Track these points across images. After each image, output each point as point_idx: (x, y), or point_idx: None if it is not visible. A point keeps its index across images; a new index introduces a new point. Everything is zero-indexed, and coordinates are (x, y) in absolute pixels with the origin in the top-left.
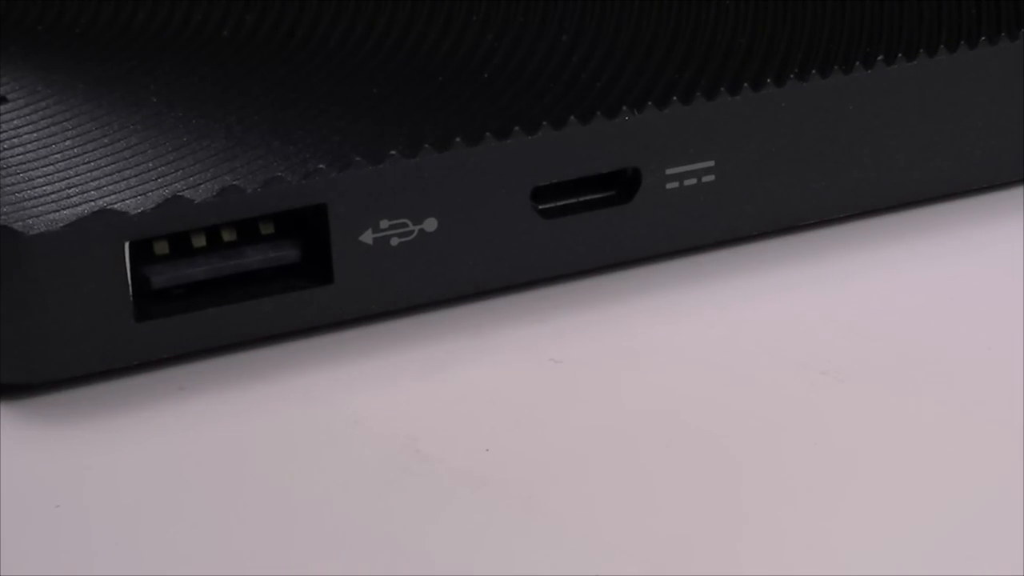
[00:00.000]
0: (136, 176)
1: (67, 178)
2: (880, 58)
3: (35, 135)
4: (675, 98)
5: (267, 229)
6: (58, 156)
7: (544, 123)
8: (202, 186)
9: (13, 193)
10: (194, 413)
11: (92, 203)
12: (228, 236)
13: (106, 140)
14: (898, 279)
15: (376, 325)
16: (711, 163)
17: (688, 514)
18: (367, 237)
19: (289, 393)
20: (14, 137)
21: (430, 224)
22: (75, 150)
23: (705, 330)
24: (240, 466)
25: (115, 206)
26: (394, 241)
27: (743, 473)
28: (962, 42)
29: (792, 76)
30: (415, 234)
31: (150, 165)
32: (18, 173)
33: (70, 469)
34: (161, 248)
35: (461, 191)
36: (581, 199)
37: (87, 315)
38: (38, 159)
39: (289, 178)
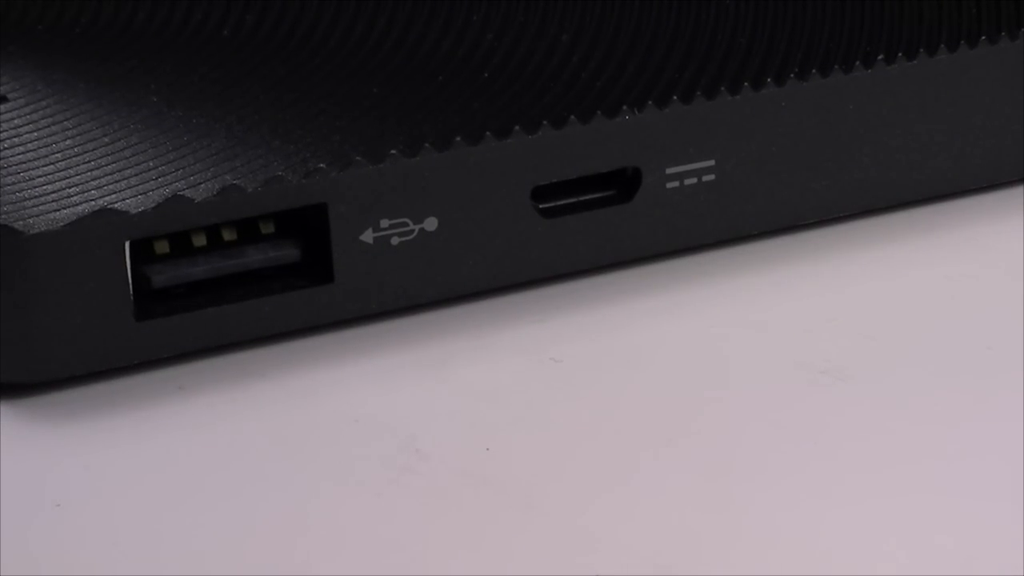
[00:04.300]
0: (136, 175)
1: (67, 177)
2: (880, 57)
3: (35, 134)
4: (675, 97)
5: (267, 228)
6: (58, 155)
7: (544, 123)
8: (202, 185)
9: (13, 192)
10: (194, 413)
11: (92, 202)
12: (228, 235)
13: (106, 139)
14: (898, 279)
15: (376, 325)
16: (711, 162)
17: (688, 514)
18: (367, 236)
19: (289, 393)
20: (14, 136)
21: (430, 223)
22: (75, 149)
23: (705, 330)
24: (240, 466)
25: (115, 205)
26: (394, 240)
27: (743, 473)
28: (962, 42)
29: (792, 75)
30: (415, 233)
31: (150, 164)
32: (18, 172)
33: (70, 469)
34: (161, 247)
35: (461, 190)
36: (581, 199)
37: (87, 314)
38: (38, 158)
39: (289, 177)
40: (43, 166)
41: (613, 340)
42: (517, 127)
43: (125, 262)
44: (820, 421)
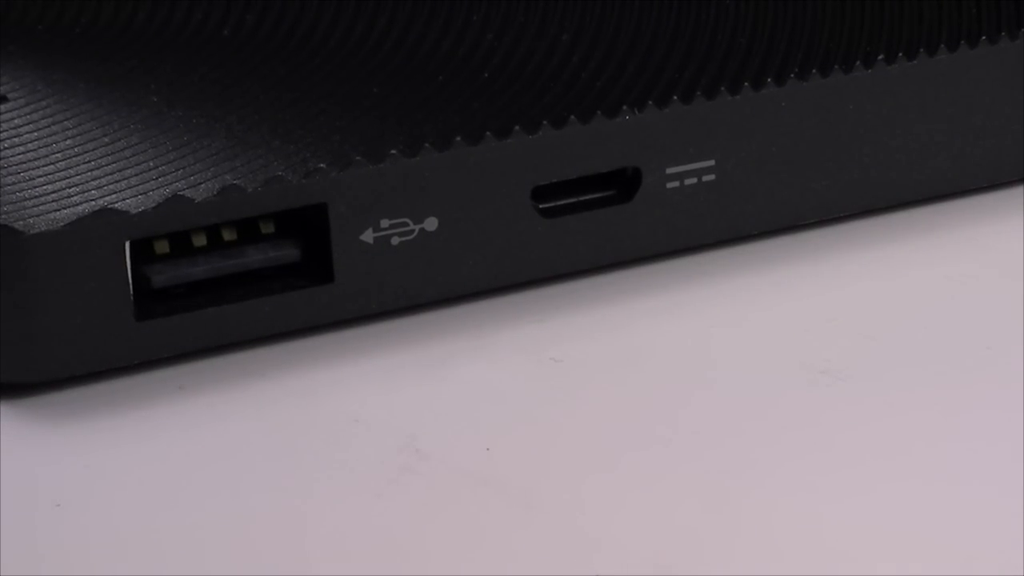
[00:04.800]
0: (137, 175)
1: (68, 177)
2: (880, 57)
3: (36, 134)
4: (675, 97)
5: (267, 228)
6: (58, 155)
7: (544, 123)
8: (203, 185)
9: (14, 192)
10: (194, 413)
11: (93, 202)
12: (228, 235)
13: (107, 139)
14: (898, 279)
15: (376, 325)
16: (711, 162)
17: (688, 514)
18: (368, 236)
19: (289, 393)
20: (14, 136)
21: (431, 223)
22: (76, 149)
23: (705, 330)
24: (240, 466)
25: (116, 205)
26: (395, 240)
27: (743, 473)
28: (962, 42)
29: (792, 75)
30: (415, 233)
31: (151, 164)
32: (19, 172)
33: (70, 469)
34: (161, 247)
35: (461, 190)
36: (581, 198)
37: (87, 314)
38: (39, 158)
39: (290, 177)
40: (43, 166)
41: (613, 340)
42: (517, 127)
43: (125, 262)
44: (820, 421)
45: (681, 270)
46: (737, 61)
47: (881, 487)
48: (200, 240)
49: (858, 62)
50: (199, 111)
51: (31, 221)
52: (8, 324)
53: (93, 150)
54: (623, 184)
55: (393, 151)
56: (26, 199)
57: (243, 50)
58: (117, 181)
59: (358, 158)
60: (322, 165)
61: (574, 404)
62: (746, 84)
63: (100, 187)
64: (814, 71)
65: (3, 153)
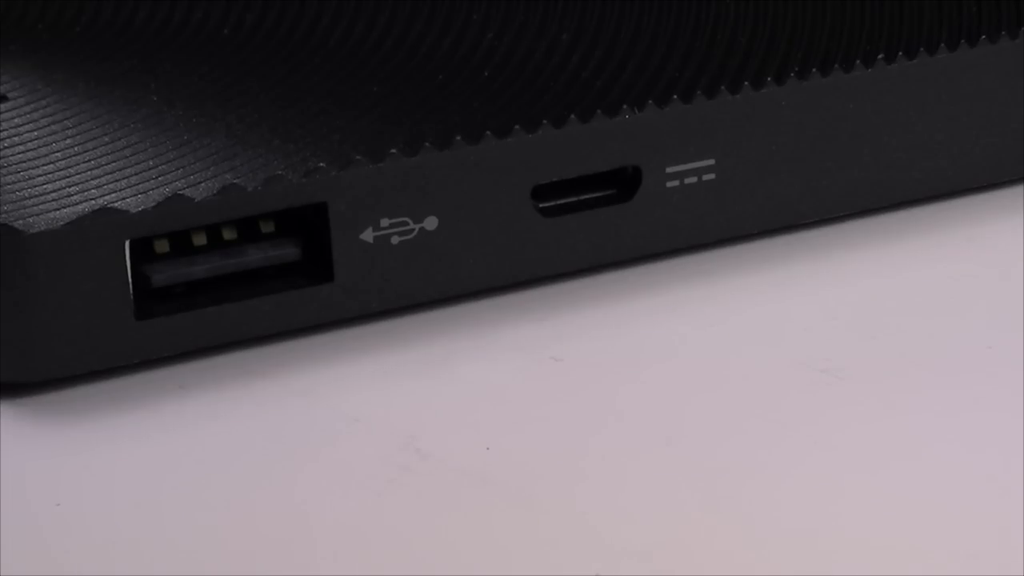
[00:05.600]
0: (137, 174)
1: (68, 176)
2: (880, 57)
3: (36, 134)
4: (675, 97)
5: (268, 227)
6: (58, 155)
7: (544, 122)
8: (203, 184)
9: (13, 191)
10: (194, 412)
11: (93, 201)
12: (229, 234)
13: (107, 139)
14: (898, 279)
15: (376, 324)
16: (711, 161)
17: (688, 513)
18: (368, 235)
19: (289, 392)
20: (15, 136)
21: (430, 223)
22: (75, 148)
23: (705, 329)
24: (240, 465)
25: (116, 204)
26: (395, 239)
27: (743, 472)
28: (962, 41)
29: (792, 74)
30: (415, 232)
31: (151, 163)
32: (19, 171)
33: (70, 469)
34: (161, 246)
35: (461, 190)
36: (581, 198)
37: (87, 313)
38: (39, 157)
39: (290, 176)
40: (43, 165)
41: (613, 340)
42: (517, 126)
43: (125, 261)
44: (820, 420)
45: (681, 270)
46: (737, 60)
47: (881, 486)
48: (200, 239)
49: (858, 62)
50: (199, 111)
51: (31, 220)
52: (8, 324)
53: (93, 149)
54: (623, 183)
55: (393, 150)
56: (26, 198)
57: (243, 50)
58: (117, 180)
59: (358, 157)
60: (322, 164)
61: (574, 403)
62: (746, 84)
63: (100, 186)
64: (814, 71)
65: (3, 153)
